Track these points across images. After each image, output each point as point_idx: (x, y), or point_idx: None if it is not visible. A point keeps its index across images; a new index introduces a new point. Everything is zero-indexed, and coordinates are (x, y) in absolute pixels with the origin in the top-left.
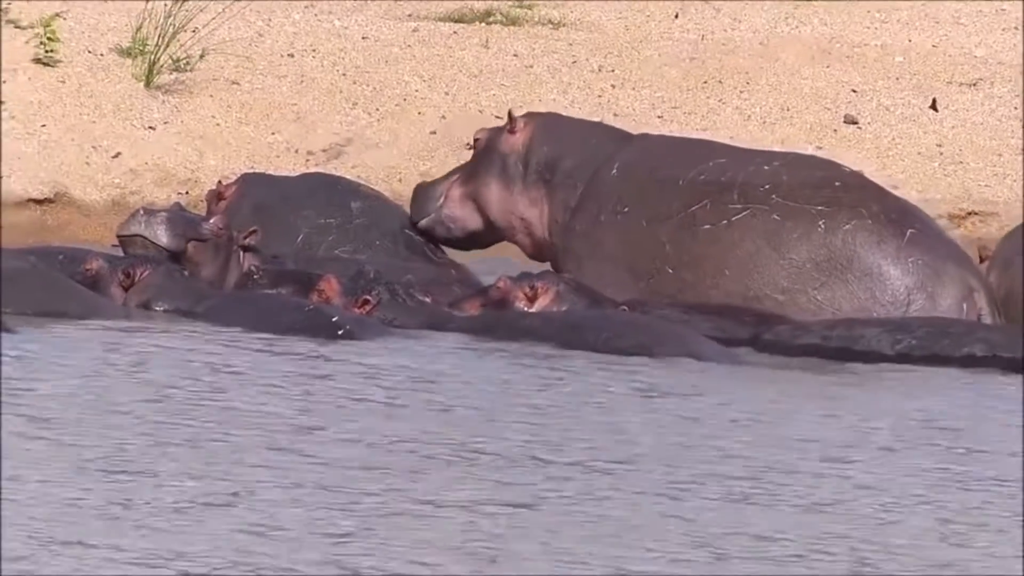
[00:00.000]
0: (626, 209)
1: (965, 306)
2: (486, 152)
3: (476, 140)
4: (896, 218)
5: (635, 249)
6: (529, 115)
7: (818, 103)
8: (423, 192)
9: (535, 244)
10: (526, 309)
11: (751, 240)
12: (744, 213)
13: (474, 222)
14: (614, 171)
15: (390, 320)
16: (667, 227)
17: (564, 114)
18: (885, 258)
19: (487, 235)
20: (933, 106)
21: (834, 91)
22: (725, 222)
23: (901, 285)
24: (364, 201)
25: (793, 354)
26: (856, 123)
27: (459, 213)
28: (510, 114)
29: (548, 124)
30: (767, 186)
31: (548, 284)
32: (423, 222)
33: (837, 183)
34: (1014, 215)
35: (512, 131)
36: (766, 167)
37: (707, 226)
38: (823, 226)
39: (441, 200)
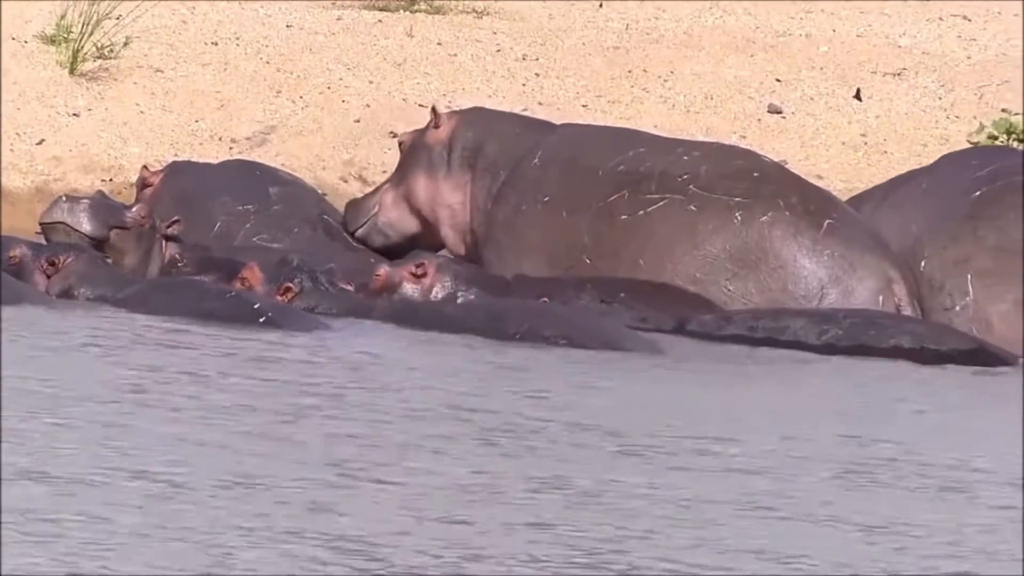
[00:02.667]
0: (546, 199)
1: (882, 298)
2: (411, 151)
3: (400, 143)
4: (814, 209)
5: (554, 239)
6: (452, 111)
7: (742, 92)
8: (356, 204)
9: (460, 235)
10: (415, 290)
11: (667, 230)
12: (661, 203)
13: (409, 224)
14: (536, 160)
15: (312, 308)
16: (585, 217)
17: (488, 106)
18: (800, 250)
19: (423, 237)
20: (857, 96)
21: (758, 80)
22: (642, 212)
23: (814, 278)
24: (282, 187)
25: (719, 343)
26: (780, 112)
27: (394, 216)
28: (434, 109)
29: (473, 115)
30: (685, 176)
31: (428, 260)
32: (359, 231)
33: (756, 173)
34: None
35: (436, 127)
36: (685, 157)
37: (624, 216)
38: (739, 217)
39: (375, 209)
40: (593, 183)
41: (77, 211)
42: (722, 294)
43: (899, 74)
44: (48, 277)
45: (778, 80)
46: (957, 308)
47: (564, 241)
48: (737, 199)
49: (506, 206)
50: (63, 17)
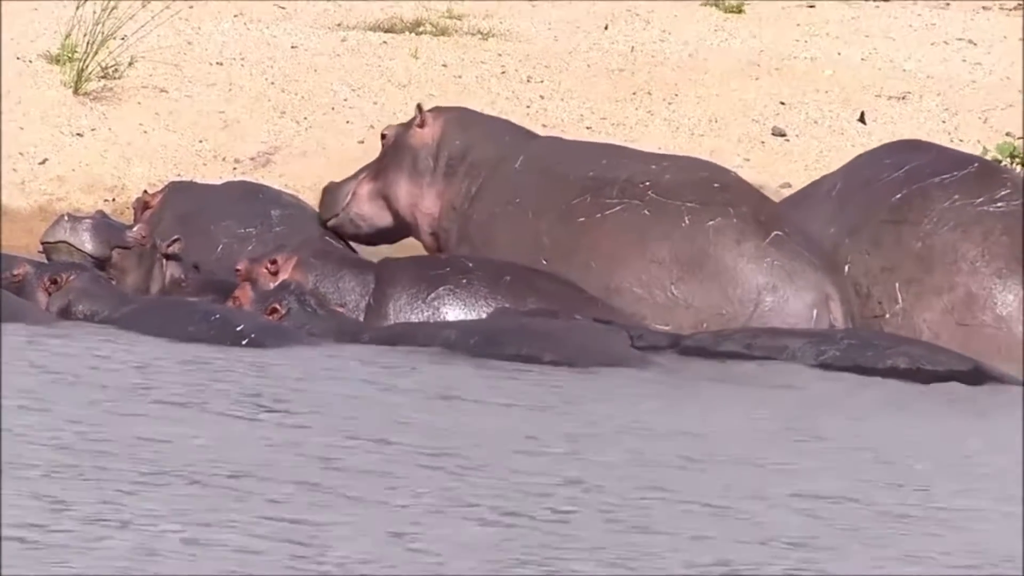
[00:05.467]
0: (518, 201)
1: (816, 312)
2: (395, 148)
3: (384, 137)
4: (765, 221)
5: (518, 241)
6: (437, 109)
7: (746, 115)
8: (331, 192)
9: (438, 239)
10: (271, 284)
11: (619, 234)
12: (618, 208)
13: (382, 219)
14: (517, 165)
15: (301, 328)
16: (547, 220)
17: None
18: (740, 256)
19: (395, 231)
20: (861, 119)
21: (763, 103)
22: (599, 215)
23: (752, 283)
24: (284, 209)
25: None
26: (784, 135)
27: (367, 210)
28: (419, 108)
29: (460, 118)
30: (647, 183)
31: (289, 255)
32: (332, 221)
33: (716, 184)
34: None
35: (421, 126)
36: (654, 166)
37: (582, 219)
38: (687, 222)
39: (348, 198)
40: (561, 187)
41: (79, 230)
42: (667, 298)
43: (903, 97)
44: (50, 295)
45: (782, 103)
46: (887, 316)
47: (527, 243)
48: (689, 204)
49: (482, 207)
50: (68, 37)
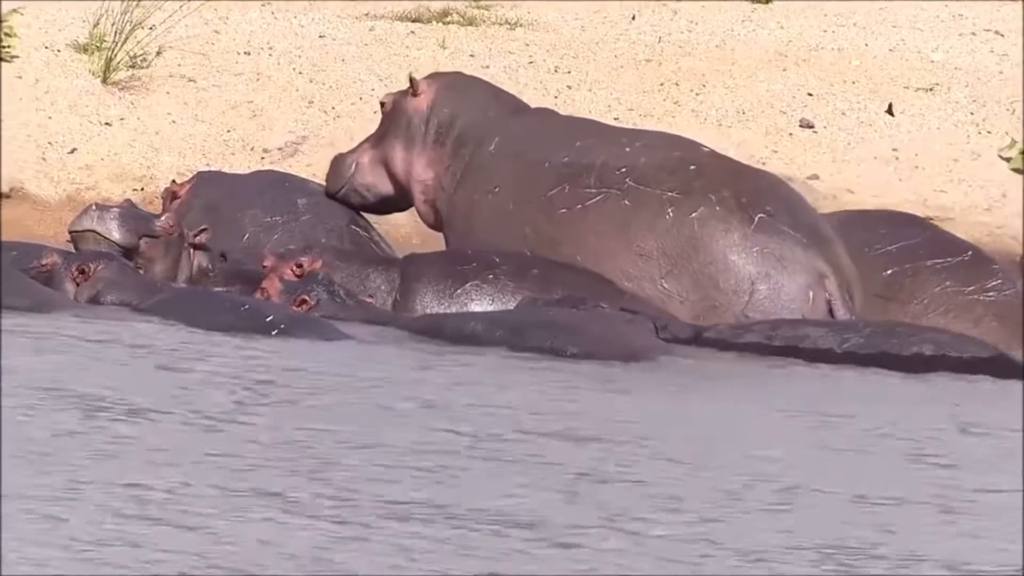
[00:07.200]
0: (497, 189)
1: (811, 293)
2: (392, 116)
3: (383, 105)
4: (747, 203)
5: (501, 231)
6: (432, 76)
7: (774, 107)
8: (337, 163)
9: (431, 210)
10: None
11: (602, 226)
12: (598, 198)
13: (385, 186)
14: (492, 147)
15: (331, 319)
16: (529, 210)
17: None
18: (729, 247)
19: (398, 200)
20: (889, 111)
21: (790, 95)
22: (580, 207)
23: (744, 274)
24: (310, 198)
25: (736, 352)
26: (812, 127)
27: (370, 179)
28: (411, 77)
29: (450, 85)
30: (623, 169)
31: (314, 256)
32: (339, 191)
33: (692, 167)
34: (970, 220)
35: (415, 94)
36: (627, 148)
37: (563, 210)
38: (671, 214)
39: (353, 168)
40: (538, 176)
41: (107, 219)
42: (658, 291)
43: (931, 89)
44: (78, 285)
45: (810, 94)
46: None
47: (510, 233)
48: (669, 194)
49: (464, 193)
50: (96, 26)
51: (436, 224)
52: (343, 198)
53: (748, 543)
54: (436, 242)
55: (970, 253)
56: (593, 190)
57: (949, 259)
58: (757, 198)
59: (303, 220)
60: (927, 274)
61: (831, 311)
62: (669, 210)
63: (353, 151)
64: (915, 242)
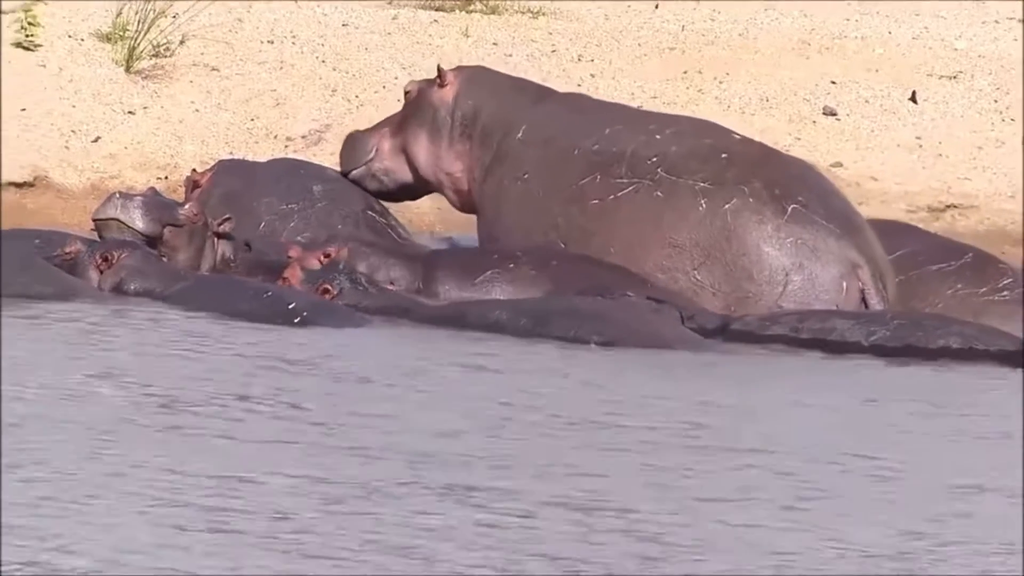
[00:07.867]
0: (526, 176)
1: (845, 284)
2: (416, 104)
3: (407, 92)
4: (780, 193)
5: (531, 220)
6: (458, 69)
7: (797, 94)
8: (353, 142)
9: (462, 198)
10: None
11: (635, 218)
12: (630, 188)
13: (404, 174)
14: (520, 135)
15: (354, 307)
16: (559, 200)
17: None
18: (762, 238)
19: (418, 187)
20: (913, 98)
21: (813, 82)
22: (612, 197)
23: (778, 265)
24: (326, 184)
25: (763, 344)
26: (835, 115)
27: (390, 165)
28: (439, 68)
29: (474, 78)
30: (654, 159)
31: (340, 247)
32: (354, 173)
33: (724, 155)
34: (993, 208)
35: (442, 84)
36: (657, 136)
37: (595, 201)
38: (704, 205)
39: (372, 153)
40: (567, 163)
41: (131, 208)
42: (691, 283)
43: (955, 77)
44: (101, 273)
45: (833, 82)
46: None
47: (540, 223)
48: (701, 184)
49: (493, 181)
50: (119, 15)
51: (469, 208)
52: (358, 180)
53: None
54: (460, 230)
55: (971, 255)
56: (624, 180)
57: (952, 263)
58: (790, 188)
59: (319, 207)
60: (934, 280)
61: (864, 301)
62: (702, 201)
63: (371, 132)
64: (914, 249)
